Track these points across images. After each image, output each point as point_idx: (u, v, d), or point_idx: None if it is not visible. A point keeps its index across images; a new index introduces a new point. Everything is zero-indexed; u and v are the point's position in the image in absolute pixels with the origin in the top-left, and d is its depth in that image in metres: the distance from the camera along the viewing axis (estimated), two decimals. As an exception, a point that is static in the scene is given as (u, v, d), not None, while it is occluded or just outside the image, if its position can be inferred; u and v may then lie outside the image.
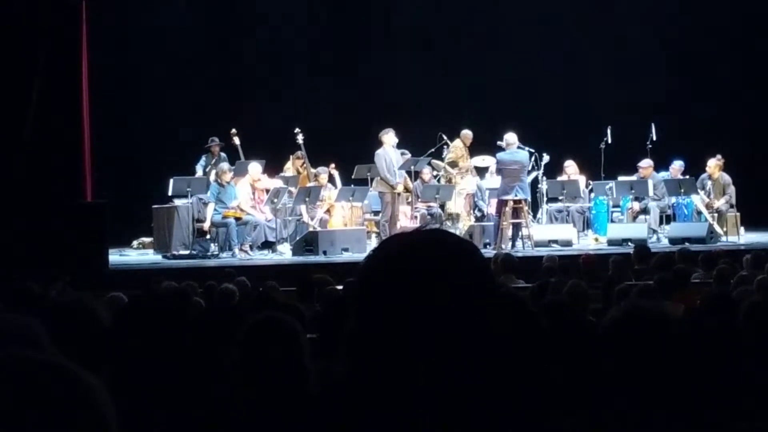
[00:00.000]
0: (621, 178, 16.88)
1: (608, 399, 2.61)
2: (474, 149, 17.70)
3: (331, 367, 3.55)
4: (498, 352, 1.54)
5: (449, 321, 1.52)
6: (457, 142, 17.35)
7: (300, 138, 16.60)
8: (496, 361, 1.54)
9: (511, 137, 15.67)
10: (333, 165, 16.92)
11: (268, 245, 15.67)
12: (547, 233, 15.94)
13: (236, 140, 16.64)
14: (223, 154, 16.67)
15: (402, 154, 16.13)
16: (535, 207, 16.84)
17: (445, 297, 1.52)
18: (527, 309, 2.71)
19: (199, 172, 16.47)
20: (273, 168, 16.73)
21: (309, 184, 16.26)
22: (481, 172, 17.53)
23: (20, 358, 1.27)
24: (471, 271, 1.56)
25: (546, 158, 16.96)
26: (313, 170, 16.58)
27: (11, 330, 2.20)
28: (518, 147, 15.65)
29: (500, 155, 15.71)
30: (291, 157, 16.98)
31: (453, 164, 17.30)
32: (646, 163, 16.69)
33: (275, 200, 15.69)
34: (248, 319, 3.57)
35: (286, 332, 3.43)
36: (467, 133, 17.24)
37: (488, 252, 13.60)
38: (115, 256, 14.95)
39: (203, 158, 16.71)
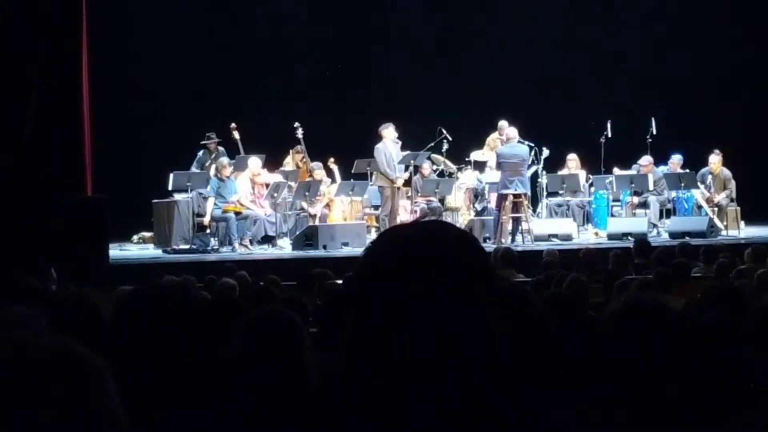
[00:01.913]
0: (618, 172, 16.84)
1: (609, 392, 2.61)
2: (473, 144, 17.71)
3: (331, 361, 3.55)
4: (498, 344, 1.54)
5: (449, 313, 1.51)
6: (495, 135, 17.28)
7: (299, 132, 16.59)
8: (496, 354, 1.54)
9: (511, 131, 15.71)
10: (332, 159, 16.91)
11: (267, 240, 15.67)
12: (547, 227, 15.94)
13: (236, 135, 16.61)
14: (221, 149, 16.63)
15: (395, 143, 16.09)
16: (534, 201, 16.83)
17: (445, 288, 1.52)
18: (531, 302, 2.71)
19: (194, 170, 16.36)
20: (272, 163, 16.71)
21: (308, 179, 16.26)
22: (480, 166, 17.52)
23: (20, 341, 1.31)
24: (471, 262, 1.56)
25: (546, 152, 16.95)
26: (312, 164, 16.59)
27: (13, 323, 2.20)
28: (518, 141, 15.66)
29: (500, 149, 15.72)
30: (291, 151, 16.96)
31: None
32: (645, 161, 16.66)
33: (275, 195, 15.69)
34: (248, 313, 3.57)
35: (286, 326, 3.43)
36: (503, 124, 17.03)
37: (488, 246, 13.59)
38: (116, 251, 14.95)
39: (199, 154, 16.62)
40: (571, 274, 7.57)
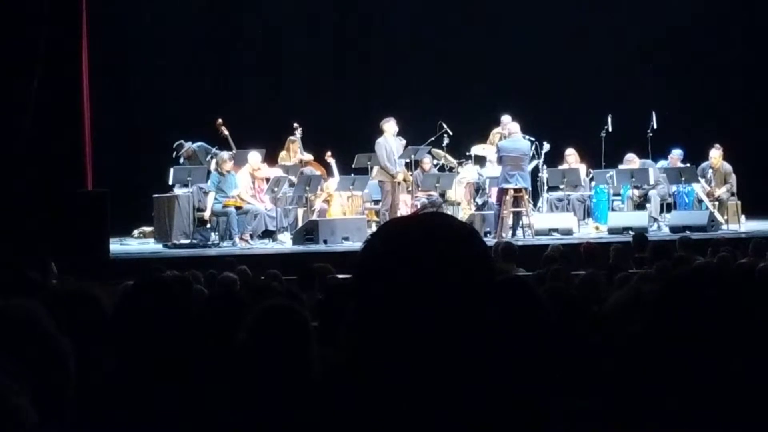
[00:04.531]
0: (621, 167, 16.86)
1: (610, 385, 2.62)
2: (475, 138, 17.71)
3: (332, 354, 3.56)
4: (498, 335, 1.54)
5: (449, 304, 1.51)
6: (497, 129, 17.21)
7: (298, 133, 16.56)
8: (496, 345, 1.54)
9: (513, 126, 15.73)
10: (329, 153, 16.85)
11: (268, 234, 15.67)
12: (547, 222, 15.94)
13: (225, 131, 16.42)
14: (194, 147, 16.40)
15: (399, 140, 16.09)
16: (535, 196, 16.84)
17: (444, 280, 1.52)
18: (534, 294, 2.71)
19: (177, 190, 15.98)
20: (270, 157, 16.64)
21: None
22: (481, 160, 17.52)
23: None
24: (470, 252, 1.56)
25: (546, 147, 16.95)
26: (309, 155, 16.57)
27: (13, 316, 2.20)
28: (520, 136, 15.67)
29: (501, 143, 15.72)
30: (287, 143, 16.85)
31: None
32: (630, 157, 16.75)
33: (275, 189, 15.69)
34: (256, 305, 3.57)
35: (295, 319, 3.43)
36: (506, 119, 16.86)
37: (489, 240, 13.58)
38: (116, 245, 14.95)
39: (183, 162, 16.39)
40: (587, 270, 7.56)
